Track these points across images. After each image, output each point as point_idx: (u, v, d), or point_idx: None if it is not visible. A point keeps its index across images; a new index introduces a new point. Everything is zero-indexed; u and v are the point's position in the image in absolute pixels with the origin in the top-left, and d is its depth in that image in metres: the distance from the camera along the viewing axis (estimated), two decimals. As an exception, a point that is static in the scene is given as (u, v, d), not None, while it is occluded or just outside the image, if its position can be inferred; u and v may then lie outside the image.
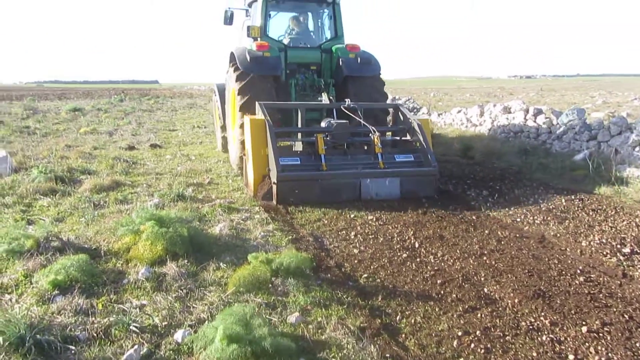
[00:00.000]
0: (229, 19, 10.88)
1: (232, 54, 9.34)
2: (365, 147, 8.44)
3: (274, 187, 7.26)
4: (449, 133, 13.92)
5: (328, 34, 10.35)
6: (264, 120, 7.62)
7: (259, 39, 9.42)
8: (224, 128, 11.12)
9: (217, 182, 8.64)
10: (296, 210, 6.94)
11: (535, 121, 11.64)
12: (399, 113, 8.91)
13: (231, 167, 9.66)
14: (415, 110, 19.22)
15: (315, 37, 10.64)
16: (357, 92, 9.18)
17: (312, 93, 9.57)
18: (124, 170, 9.31)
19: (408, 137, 8.54)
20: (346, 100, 8.57)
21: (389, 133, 9.03)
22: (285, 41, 10.07)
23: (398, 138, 8.77)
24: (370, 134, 8.03)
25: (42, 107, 28.02)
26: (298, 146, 8.51)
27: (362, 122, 8.13)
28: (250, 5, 10.71)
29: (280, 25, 10.66)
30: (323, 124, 8.25)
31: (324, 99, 8.99)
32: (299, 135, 8.62)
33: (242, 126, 8.24)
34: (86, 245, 5.20)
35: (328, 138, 8.02)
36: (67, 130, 16.50)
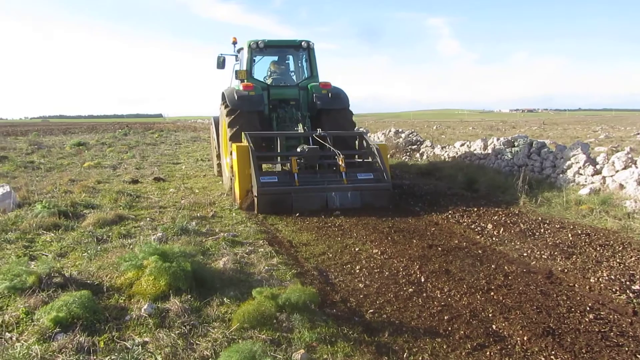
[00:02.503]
0: (221, 64, 12.81)
1: (223, 94, 11.22)
2: (334, 168, 9.85)
3: (255, 199, 8.86)
4: (453, 166, 13.91)
5: (305, 74, 12.26)
6: (248, 147, 9.27)
7: (245, 80, 11.22)
8: (218, 156, 12.76)
9: (221, 215, 8.62)
10: (300, 244, 6.90)
11: (539, 155, 11.65)
12: (363, 140, 10.62)
13: (234, 201, 9.73)
14: (418, 143, 19.26)
15: (293, 77, 12.59)
16: (329, 122, 10.96)
17: (291, 124, 11.18)
18: (128, 204, 9.30)
19: (370, 159, 10.22)
20: (318, 129, 10.31)
21: (356, 156, 10.64)
22: (268, 81, 12.00)
23: (361, 160, 10.47)
24: (335, 157, 9.56)
25: (47, 142, 28.26)
26: (278, 167, 10.57)
27: (331, 147, 9.83)
28: (238, 51, 12.80)
29: (264, 67, 12.59)
30: (298, 150, 9.84)
31: (300, 129, 10.75)
32: (278, 158, 10.32)
33: (231, 153, 9.74)
34: (89, 281, 5.15)
35: (302, 161, 9.66)
36: (71, 164, 16.58)
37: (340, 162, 9.48)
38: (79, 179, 12.44)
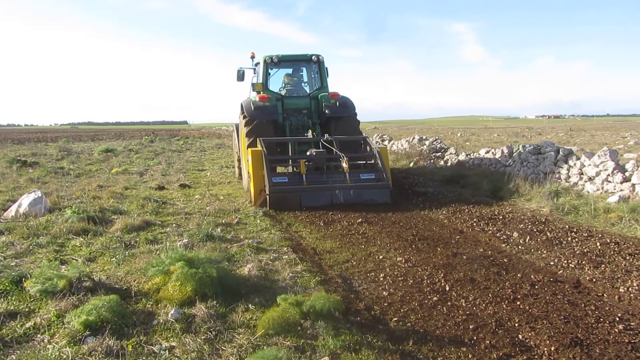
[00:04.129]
0: (241, 77, 13.79)
1: (241, 105, 12.39)
2: (340, 169, 10.76)
3: (268, 197, 9.94)
4: (478, 173, 13.78)
5: (315, 85, 13.38)
6: (261, 151, 10.42)
7: (261, 92, 12.41)
8: (239, 160, 13.70)
9: (246, 222, 8.70)
10: (324, 252, 6.92)
11: (566, 162, 11.48)
12: (366, 144, 11.78)
13: (259, 207, 9.90)
14: (442, 150, 19.13)
15: (305, 88, 13.73)
16: (336, 128, 12.10)
17: (303, 131, 12.30)
18: (154, 210, 9.45)
19: (372, 161, 11.28)
20: (325, 135, 11.50)
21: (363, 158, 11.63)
22: (282, 92, 13.15)
23: (364, 162, 11.50)
24: (340, 159, 10.59)
25: (76, 148, 28.85)
26: (289, 169, 11.64)
27: (336, 151, 10.86)
28: (256, 65, 13.87)
29: (279, 79, 13.76)
30: (308, 153, 10.88)
31: (309, 134, 11.77)
32: (290, 161, 11.45)
33: (247, 156, 10.72)
34: (117, 286, 5.25)
35: (310, 163, 10.76)
36: (100, 170, 16.89)
37: (344, 164, 10.49)
38: (107, 185, 12.67)
